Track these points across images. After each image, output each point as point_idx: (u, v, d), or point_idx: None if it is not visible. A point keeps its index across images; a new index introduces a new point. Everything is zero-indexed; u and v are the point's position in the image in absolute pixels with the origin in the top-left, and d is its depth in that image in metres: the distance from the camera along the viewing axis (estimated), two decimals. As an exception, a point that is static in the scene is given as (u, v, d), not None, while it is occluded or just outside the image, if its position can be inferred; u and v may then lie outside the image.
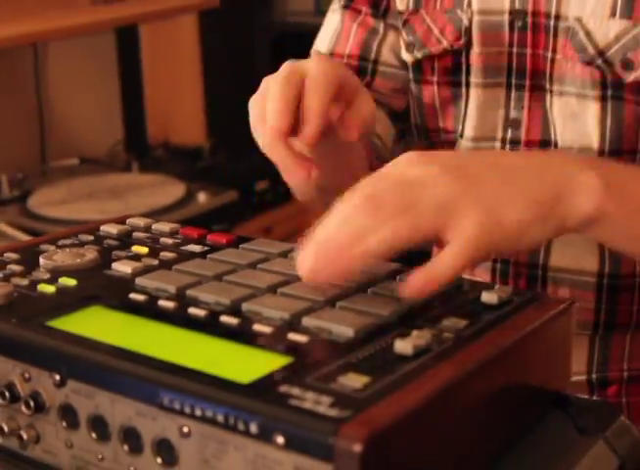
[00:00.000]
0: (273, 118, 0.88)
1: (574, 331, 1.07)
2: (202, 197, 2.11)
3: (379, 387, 0.56)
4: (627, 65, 1.01)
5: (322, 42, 1.22)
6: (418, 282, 0.68)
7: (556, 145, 1.07)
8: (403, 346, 0.61)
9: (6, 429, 0.67)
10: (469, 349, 0.63)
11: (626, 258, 1.06)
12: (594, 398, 1.12)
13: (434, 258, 0.70)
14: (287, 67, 0.92)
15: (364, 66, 1.19)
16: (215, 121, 2.60)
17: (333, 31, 1.22)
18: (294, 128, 0.88)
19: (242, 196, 2.16)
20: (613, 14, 1.01)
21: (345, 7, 1.21)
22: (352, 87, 0.94)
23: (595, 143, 1.04)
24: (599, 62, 1.02)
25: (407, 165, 0.76)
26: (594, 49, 1.02)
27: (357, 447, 0.50)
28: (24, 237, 1.82)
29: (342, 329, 0.64)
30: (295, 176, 0.87)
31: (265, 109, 0.89)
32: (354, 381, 0.57)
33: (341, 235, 0.69)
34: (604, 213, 0.80)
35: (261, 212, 2.19)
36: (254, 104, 0.93)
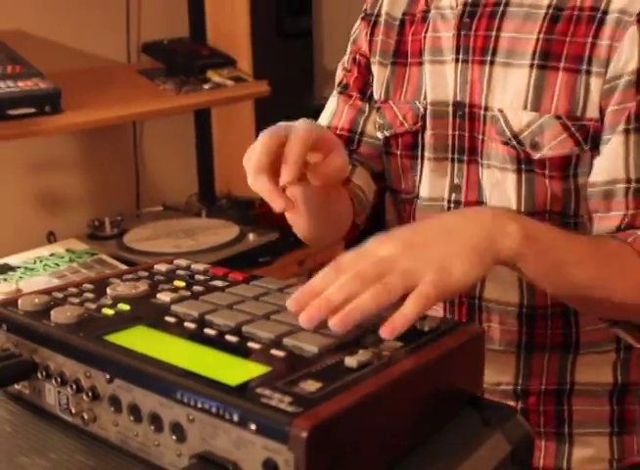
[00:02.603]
0: (256, 158, 0.83)
1: (504, 349, 1.08)
2: (251, 236, 2.10)
3: (327, 391, 0.57)
4: (535, 145, 0.99)
5: (323, 118, 1.21)
6: (396, 325, 0.67)
7: (487, 205, 1.04)
8: (351, 361, 0.61)
9: (74, 411, 0.67)
10: (400, 364, 0.63)
11: (540, 294, 1.04)
12: (519, 405, 1.08)
13: (403, 308, 0.69)
14: (277, 124, 0.87)
15: (352, 137, 1.17)
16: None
17: (330, 111, 1.20)
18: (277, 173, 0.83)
19: (281, 236, 2.13)
20: (525, 107, 0.99)
21: (341, 93, 1.20)
22: (329, 144, 0.90)
23: (514, 205, 1.01)
24: (514, 143, 1.00)
25: (377, 247, 0.75)
26: (510, 133, 1.00)
27: (304, 434, 0.52)
28: (121, 265, 1.80)
29: (310, 347, 0.64)
30: (277, 205, 0.82)
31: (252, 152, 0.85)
32: (310, 386, 0.57)
33: (335, 296, 0.70)
34: (522, 255, 0.81)
35: (296, 249, 2.15)
36: (248, 151, 0.87)
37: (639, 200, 0.93)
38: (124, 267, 1.75)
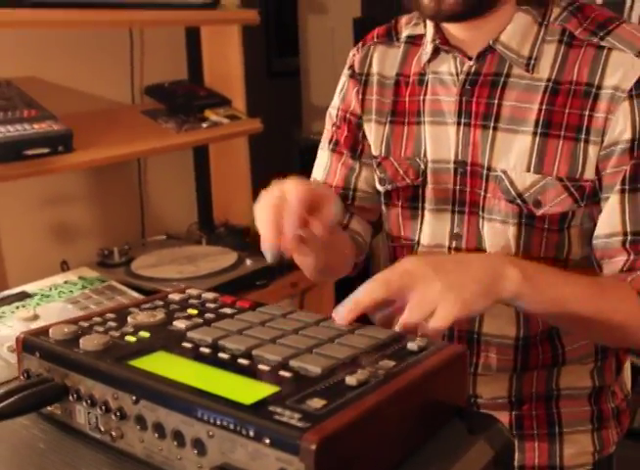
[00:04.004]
0: (263, 233, 0.87)
1: (500, 373, 1.09)
2: (248, 262, 2.10)
3: (331, 407, 0.59)
4: (537, 203, 1.01)
5: (317, 174, 1.20)
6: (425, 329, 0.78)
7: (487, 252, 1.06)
8: (351, 379, 0.63)
9: (103, 429, 0.69)
10: (394, 381, 0.64)
11: (534, 326, 1.07)
12: (513, 412, 1.12)
13: (436, 315, 0.79)
14: (272, 188, 0.90)
15: (346, 193, 1.18)
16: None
17: (324, 167, 1.19)
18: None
19: None
20: (528, 169, 1.01)
21: (332, 150, 1.19)
22: (320, 197, 0.91)
23: (512, 253, 1.03)
24: (518, 201, 1.02)
25: (412, 264, 0.82)
26: (515, 192, 1.02)
27: (313, 447, 0.54)
28: (130, 291, 1.78)
29: (314, 368, 0.66)
30: (265, 242, 0.86)
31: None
32: (316, 403, 0.59)
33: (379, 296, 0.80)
34: (521, 294, 0.85)
35: (290, 272, 2.17)
36: (257, 212, 0.89)
37: (635, 247, 0.97)
38: (133, 293, 1.76)
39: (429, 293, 0.79)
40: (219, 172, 2.54)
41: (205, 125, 2.22)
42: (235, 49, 2.37)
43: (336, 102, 1.20)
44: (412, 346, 0.72)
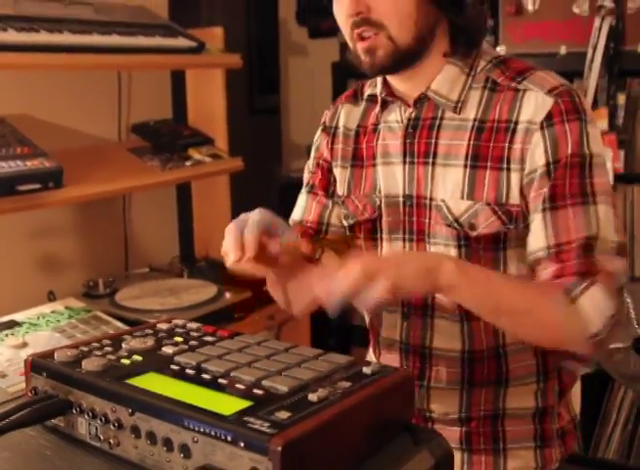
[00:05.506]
0: (232, 253, 1.01)
1: (450, 386, 1.21)
2: (227, 295, 2.16)
3: (295, 418, 0.71)
4: (472, 226, 1.14)
5: (296, 214, 1.35)
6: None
7: None
8: (312, 396, 0.75)
9: (102, 438, 0.80)
10: (349, 398, 0.76)
11: (478, 341, 1.19)
12: (463, 428, 1.23)
13: (376, 286, 0.92)
14: (241, 216, 1.05)
15: (320, 227, 1.33)
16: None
17: (302, 208, 1.35)
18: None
19: (254, 295, 2.20)
20: (462, 197, 1.14)
21: (309, 192, 1.35)
22: (276, 225, 1.06)
23: None
24: (455, 225, 1.15)
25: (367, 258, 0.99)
26: (452, 217, 1.15)
27: (279, 448, 0.66)
28: (114, 321, 1.86)
29: (282, 387, 0.77)
30: (232, 258, 1.01)
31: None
32: (283, 415, 0.71)
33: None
34: (456, 285, 1.00)
35: (267, 305, 2.22)
36: (227, 234, 1.04)
37: (559, 256, 1.09)
38: (117, 323, 1.85)
39: (372, 265, 0.94)
40: (201, 208, 2.63)
41: (188, 164, 2.31)
42: (218, 91, 2.48)
43: (312, 152, 1.39)
44: (366, 370, 0.84)
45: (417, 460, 0.81)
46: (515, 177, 1.12)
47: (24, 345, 1.69)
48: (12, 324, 1.82)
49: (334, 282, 0.93)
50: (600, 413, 2.46)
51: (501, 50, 2.36)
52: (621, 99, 2.33)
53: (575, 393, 1.37)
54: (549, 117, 1.10)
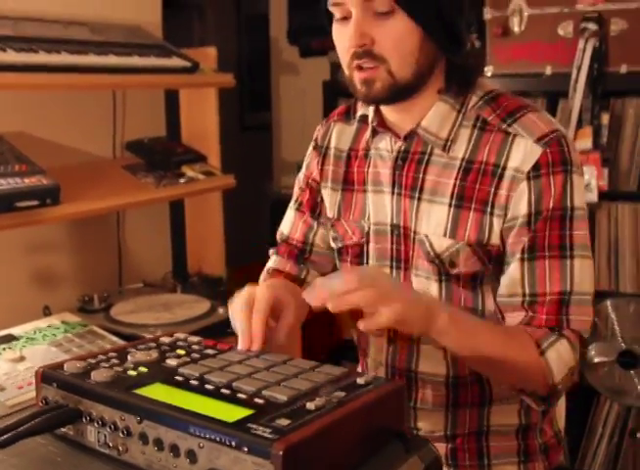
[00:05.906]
0: (240, 336, 1.02)
1: (436, 408, 1.25)
2: (220, 310, 2.16)
3: (295, 425, 0.75)
4: (452, 264, 1.17)
5: (284, 227, 1.39)
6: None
7: None
8: (310, 405, 0.79)
9: (111, 445, 0.84)
10: (344, 407, 0.80)
11: (462, 367, 1.22)
12: (449, 445, 1.26)
13: (375, 317, 0.97)
14: (242, 296, 1.06)
15: (305, 247, 1.37)
16: (232, 260, 2.60)
17: (289, 223, 1.39)
18: None
19: None
20: (445, 234, 1.17)
21: (297, 209, 1.39)
22: (282, 304, 1.08)
23: None
24: (436, 261, 1.18)
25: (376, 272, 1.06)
26: (434, 254, 1.18)
27: (280, 453, 0.70)
28: (110, 336, 1.87)
29: (282, 396, 0.82)
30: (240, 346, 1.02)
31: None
32: (283, 422, 0.75)
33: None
34: (447, 333, 1.04)
35: None
36: (235, 304, 1.06)
37: (532, 307, 1.14)
38: (113, 337, 1.86)
39: (384, 292, 0.97)
40: (194, 224, 2.66)
41: (182, 181, 2.34)
42: (211, 110, 2.53)
43: (303, 168, 1.41)
44: (360, 381, 0.89)
45: (408, 466, 0.85)
46: (497, 222, 1.14)
47: (22, 358, 1.70)
48: (9, 338, 1.83)
49: (333, 282, 0.97)
50: (586, 427, 2.50)
51: (488, 70, 2.43)
52: (605, 118, 2.39)
53: (560, 407, 1.40)
54: (536, 167, 1.11)
